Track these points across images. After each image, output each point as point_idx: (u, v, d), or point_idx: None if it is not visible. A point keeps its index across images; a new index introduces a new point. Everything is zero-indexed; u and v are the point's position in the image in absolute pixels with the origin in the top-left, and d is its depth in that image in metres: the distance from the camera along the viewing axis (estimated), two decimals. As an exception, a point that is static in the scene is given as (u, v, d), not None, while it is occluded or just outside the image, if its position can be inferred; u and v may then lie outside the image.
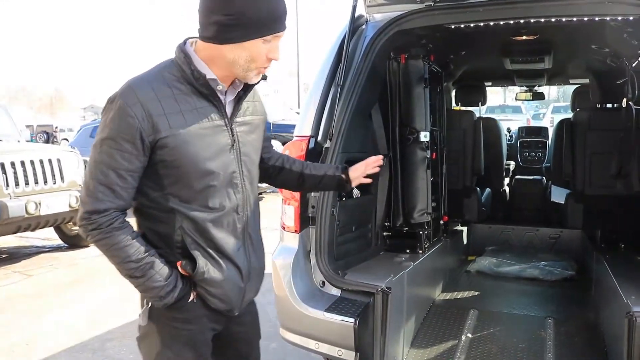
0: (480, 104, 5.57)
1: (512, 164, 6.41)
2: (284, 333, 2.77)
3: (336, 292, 2.69)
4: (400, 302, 2.84)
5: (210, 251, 1.72)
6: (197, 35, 1.68)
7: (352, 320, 2.45)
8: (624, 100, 3.71)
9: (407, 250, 3.39)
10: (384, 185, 3.41)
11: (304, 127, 2.80)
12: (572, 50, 4.47)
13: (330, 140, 2.75)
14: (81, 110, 68.48)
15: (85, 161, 7.28)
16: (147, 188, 1.69)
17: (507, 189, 5.92)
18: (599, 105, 4.73)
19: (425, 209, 3.47)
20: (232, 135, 1.74)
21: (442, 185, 3.95)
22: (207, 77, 1.66)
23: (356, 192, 3.08)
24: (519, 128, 7.12)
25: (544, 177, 5.98)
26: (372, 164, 2.20)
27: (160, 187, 1.68)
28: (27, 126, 30.12)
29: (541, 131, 6.92)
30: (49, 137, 28.33)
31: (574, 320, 3.42)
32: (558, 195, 5.13)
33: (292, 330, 2.71)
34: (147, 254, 1.64)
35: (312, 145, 2.75)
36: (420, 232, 3.45)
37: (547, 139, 6.60)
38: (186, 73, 1.66)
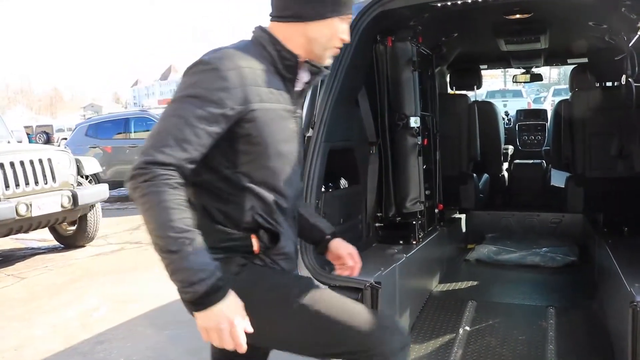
0: (475, 87, 5.42)
1: (511, 148, 6.25)
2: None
3: (324, 288, 2.55)
4: (392, 296, 2.71)
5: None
6: (272, 17, 1.68)
7: None
8: (623, 77, 3.56)
9: (401, 242, 3.26)
10: (374, 174, 3.27)
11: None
12: (568, 29, 4.30)
13: (313, 128, 2.61)
14: (81, 110, 68.47)
15: (77, 160, 7.18)
16: (218, 164, 1.60)
17: (506, 174, 5.77)
18: (598, 85, 4.57)
19: (417, 198, 3.34)
20: (296, 124, 1.74)
21: (436, 172, 3.81)
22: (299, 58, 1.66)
23: (343, 183, 2.94)
24: (517, 111, 6.95)
25: (543, 161, 5.83)
26: (352, 258, 1.98)
27: (234, 164, 1.61)
28: (26, 127, 29.98)
29: (540, 114, 6.76)
30: (49, 137, 28.21)
31: (577, 309, 3.29)
32: (558, 178, 4.99)
33: (278, 330, 2.58)
34: (191, 228, 1.45)
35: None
36: (414, 222, 3.32)
37: (546, 122, 6.44)
38: (271, 54, 1.64)
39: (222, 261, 1.54)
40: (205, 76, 1.52)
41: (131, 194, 1.47)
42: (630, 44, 3.65)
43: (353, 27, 2.79)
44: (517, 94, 22.86)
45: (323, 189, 2.75)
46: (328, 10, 1.64)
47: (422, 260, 3.36)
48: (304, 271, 2.60)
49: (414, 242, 3.28)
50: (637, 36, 3.56)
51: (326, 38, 1.66)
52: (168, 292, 5.08)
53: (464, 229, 4.72)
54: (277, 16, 1.67)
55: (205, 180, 1.61)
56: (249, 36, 1.70)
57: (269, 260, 1.69)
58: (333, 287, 2.53)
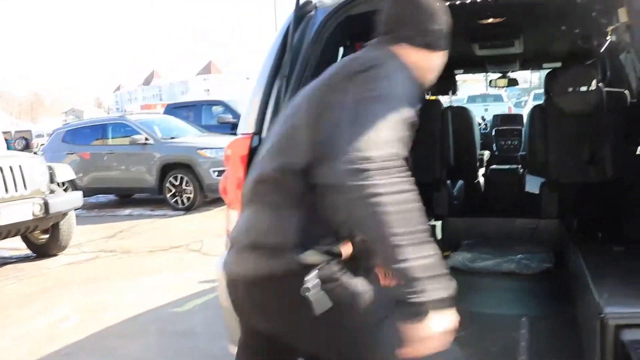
0: (450, 92, 5.38)
1: (487, 153, 6.21)
2: (233, 349, 2.55)
3: None
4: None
5: None
6: (401, 41, 1.72)
7: None
8: (594, 82, 3.54)
9: None
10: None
11: (247, 124, 2.59)
12: (541, 33, 4.28)
13: None
14: (62, 115, 67.75)
15: (50, 167, 7.04)
16: None
17: (482, 179, 5.74)
18: (571, 89, 4.55)
19: (388, 206, 3.27)
20: None
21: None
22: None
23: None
24: (494, 116, 6.94)
25: (520, 166, 5.81)
26: None
27: None
28: (5, 132, 29.54)
29: (517, 119, 6.75)
30: (28, 143, 27.84)
31: (550, 319, 3.24)
32: (534, 184, 4.96)
33: (240, 344, 2.49)
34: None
35: (255, 142, 2.53)
36: None
37: (523, 127, 6.42)
38: None
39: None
40: (406, 78, 1.63)
41: (385, 183, 1.35)
42: (601, 50, 3.63)
43: (318, 33, 2.74)
44: (498, 98, 22.95)
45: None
46: (449, 43, 1.78)
47: (394, 269, 3.30)
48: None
49: None
50: (608, 41, 3.55)
51: (439, 68, 1.82)
52: (141, 301, 5.05)
53: (439, 236, 4.66)
54: (414, 42, 1.72)
55: None
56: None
57: None
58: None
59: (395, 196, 1.34)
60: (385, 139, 1.40)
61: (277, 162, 1.61)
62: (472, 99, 21.54)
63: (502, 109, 18.05)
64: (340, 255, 1.53)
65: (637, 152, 2.94)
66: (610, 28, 3.22)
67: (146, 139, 10.66)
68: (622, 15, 2.68)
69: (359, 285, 1.55)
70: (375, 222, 1.33)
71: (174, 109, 14.78)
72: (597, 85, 3.49)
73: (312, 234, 1.52)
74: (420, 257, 1.34)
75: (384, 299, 1.53)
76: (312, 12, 2.88)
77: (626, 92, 3.65)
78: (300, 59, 2.68)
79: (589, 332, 2.38)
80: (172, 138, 10.91)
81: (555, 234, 4.46)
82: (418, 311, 1.35)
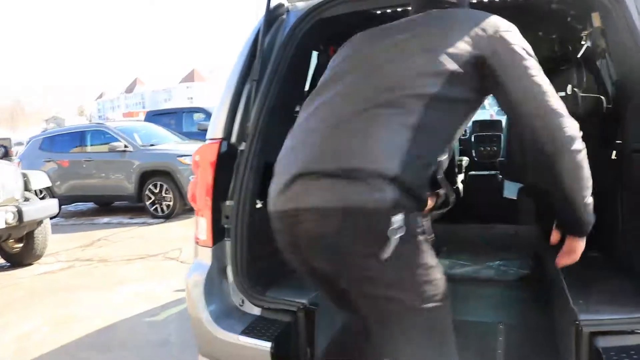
0: None
1: (466, 159, 6.20)
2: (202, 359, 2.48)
3: (257, 311, 2.41)
4: (331, 317, 2.58)
5: None
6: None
7: (268, 344, 2.17)
8: (569, 87, 3.52)
9: None
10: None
11: (215, 129, 2.52)
12: None
13: (245, 141, 2.47)
14: (43, 123, 67.03)
15: (24, 174, 6.91)
16: None
17: (460, 185, 5.71)
18: None
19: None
20: None
21: None
22: None
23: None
24: (473, 122, 6.91)
25: (498, 172, 5.79)
26: None
27: None
28: (-17, 140, 29.13)
29: (496, 125, 6.74)
30: (7, 151, 27.46)
31: (527, 327, 3.20)
32: (512, 190, 4.94)
33: (208, 356, 2.42)
34: None
35: (224, 148, 2.47)
36: None
37: (502, 133, 6.41)
38: None
39: None
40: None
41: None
42: (578, 55, 3.62)
43: (290, 36, 2.68)
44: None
45: (259, 205, 2.61)
46: None
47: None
48: (237, 294, 2.45)
49: None
50: (583, 47, 3.54)
51: None
52: (116, 311, 4.94)
53: None
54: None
55: None
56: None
57: None
58: (267, 310, 2.39)
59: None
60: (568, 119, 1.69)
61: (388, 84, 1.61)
62: (454, 106, 21.59)
63: (484, 115, 18.11)
64: (425, 206, 1.61)
65: (613, 157, 2.91)
66: (585, 33, 3.21)
67: (125, 146, 10.54)
68: (596, 19, 2.67)
69: (425, 239, 1.58)
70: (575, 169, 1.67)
71: (154, 116, 14.66)
72: (573, 90, 3.47)
73: (415, 173, 1.53)
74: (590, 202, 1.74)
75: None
76: (284, 16, 2.83)
77: (602, 97, 3.64)
78: (270, 63, 2.62)
79: (565, 339, 2.34)
80: (152, 145, 10.80)
81: (533, 239, 4.43)
82: (585, 231, 1.79)
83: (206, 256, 2.44)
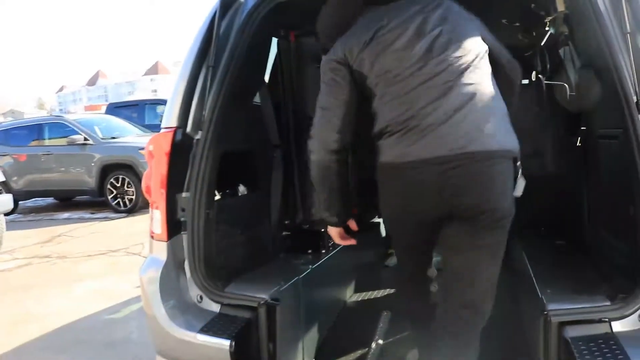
0: None
1: None
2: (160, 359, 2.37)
3: (216, 307, 2.31)
4: (295, 312, 2.50)
5: None
6: None
7: (227, 342, 2.07)
8: (533, 74, 3.49)
9: (310, 251, 3.05)
10: (278, 180, 3.03)
11: (170, 117, 2.40)
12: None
13: (202, 130, 2.36)
14: (0, 117, 65.24)
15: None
16: None
17: None
18: None
19: (327, 203, 3.14)
20: None
21: (348, 175, 3.63)
22: None
23: (242, 189, 2.71)
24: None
25: None
26: None
27: None
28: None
29: None
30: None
31: (497, 317, 3.16)
32: None
33: (165, 355, 2.31)
34: None
35: (179, 137, 2.35)
36: (323, 230, 3.11)
37: None
38: None
39: None
40: None
41: None
42: (542, 43, 3.59)
43: (247, 20, 2.57)
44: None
45: (217, 197, 2.51)
46: None
47: (334, 270, 3.16)
48: (194, 290, 2.35)
49: (324, 251, 3.07)
50: (547, 33, 3.51)
51: None
52: (74, 309, 4.76)
53: (383, 234, 4.56)
54: None
55: None
56: None
57: None
58: (226, 306, 2.29)
59: None
60: None
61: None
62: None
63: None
64: None
65: (578, 144, 2.89)
66: (548, 19, 3.18)
67: (85, 139, 10.25)
68: (560, 3, 2.62)
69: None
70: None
71: (116, 109, 14.32)
72: (538, 77, 3.44)
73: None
74: None
75: None
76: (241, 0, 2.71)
77: (566, 85, 3.62)
78: (227, 48, 2.50)
79: (533, 330, 2.30)
80: (113, 138, 10.53)
81: None
82: None
83: (161, 251, 2.33)
